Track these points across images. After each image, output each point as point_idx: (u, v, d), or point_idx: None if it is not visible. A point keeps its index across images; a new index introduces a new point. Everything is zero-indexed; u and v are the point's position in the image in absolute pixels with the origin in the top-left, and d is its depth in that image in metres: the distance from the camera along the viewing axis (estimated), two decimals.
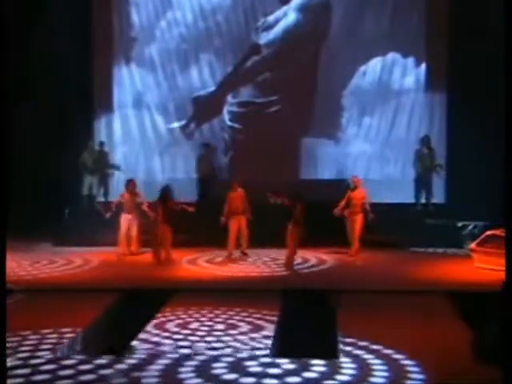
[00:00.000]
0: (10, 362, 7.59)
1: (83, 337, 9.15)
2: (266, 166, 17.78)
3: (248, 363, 7.90)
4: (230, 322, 9.70)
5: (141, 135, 19.01)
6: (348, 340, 8.72)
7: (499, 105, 8.39)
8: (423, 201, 17.52)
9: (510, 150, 6.39)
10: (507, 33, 6.87)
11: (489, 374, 7.10)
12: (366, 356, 8.15)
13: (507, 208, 6.50)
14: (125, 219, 15.04)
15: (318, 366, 7.80)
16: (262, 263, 14.16)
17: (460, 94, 17.64)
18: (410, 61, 18.54)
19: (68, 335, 8.99)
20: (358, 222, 14.72)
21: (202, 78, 18.93)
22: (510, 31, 6.80)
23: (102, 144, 17.96)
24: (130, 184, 15.32)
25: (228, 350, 8.37)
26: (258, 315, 9.99)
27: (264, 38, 18.76)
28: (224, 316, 9.98)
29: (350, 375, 7.56)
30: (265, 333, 9.14)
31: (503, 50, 7.09)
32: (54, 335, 8.95)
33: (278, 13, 18.74)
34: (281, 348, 8.53)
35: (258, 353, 8.27)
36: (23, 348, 8.40)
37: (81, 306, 10.55)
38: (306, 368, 7.72)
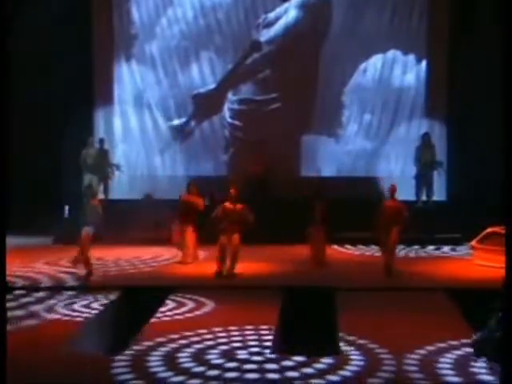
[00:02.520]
0: None
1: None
2: (266, 163, 17.78)
3: None
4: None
5: (141, 132, 18.99)
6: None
7: (500, 101, 8.37)
8: (424, 198, 17.54)
9: (509, 146, 6.38)
10: (506, 29, 6.86)
11: None
12: None
13: (507, 205, 6.48)
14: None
15: None
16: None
17: (460, 90, 17.61)
18: (411, 58, 18.54)
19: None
20: (395, 234, 12.99)
21: (203, 75, 18.91)
22: (509, 27, 6.79)
23: (101, 141, 17.98)
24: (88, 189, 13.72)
25: None
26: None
27: (264, 35, 18.74)
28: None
29: None
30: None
31: (503, 46, 7.08)
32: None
33: (279, 10, 18.73)
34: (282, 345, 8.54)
35: None
36: None
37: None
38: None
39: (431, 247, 15.88)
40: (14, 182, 14.63)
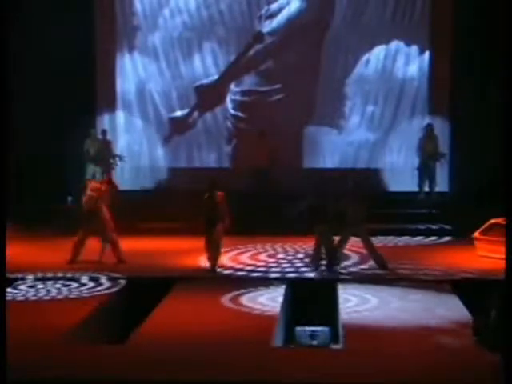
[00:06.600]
0: None
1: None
2: (270, 154, 17.77)
3: None
4: None
5: (144, 123, 18.99)
6: None
7: (503, 92, 8.37)
8: (426, 189, 17.53)
9: (509, 137, 6.38)
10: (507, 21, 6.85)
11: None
12: None
13: (508, 196, 6.48)
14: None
15: None
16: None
17: (464, 81, 17.58)
18: (414, 49, 18.48)
19: None
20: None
21: (205, 66, 18.89)
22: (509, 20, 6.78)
23: (104, 132, 17.98)
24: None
25: None
26: None
27: (267, 27, 18.71)
28: None
29: None
30: None
31: (505, 37, 7.07)
32: None
33: (282, 1, 18.67)
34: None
35: None
36: None
37: None
38: None
39: (433, 238, 15.85)
40: (15, 171, 14.63)
